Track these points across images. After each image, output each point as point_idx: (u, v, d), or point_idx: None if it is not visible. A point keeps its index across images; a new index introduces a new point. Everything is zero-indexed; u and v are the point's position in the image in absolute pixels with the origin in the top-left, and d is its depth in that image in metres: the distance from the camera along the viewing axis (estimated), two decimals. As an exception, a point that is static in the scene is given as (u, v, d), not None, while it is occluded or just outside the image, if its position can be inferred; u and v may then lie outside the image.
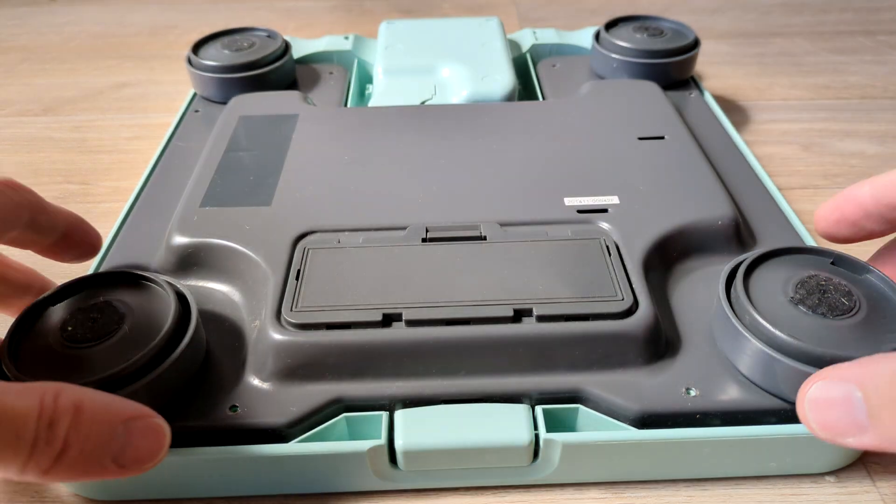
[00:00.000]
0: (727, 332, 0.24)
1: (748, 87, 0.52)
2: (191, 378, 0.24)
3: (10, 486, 0.25)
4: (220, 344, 0.26)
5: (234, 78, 0.42)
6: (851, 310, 0.23)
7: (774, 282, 0.24)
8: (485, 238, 0.28)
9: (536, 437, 0.23)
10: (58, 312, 0.24)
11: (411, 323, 0.24)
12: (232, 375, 0.24)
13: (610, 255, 0.27)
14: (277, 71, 0.44)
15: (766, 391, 0.23)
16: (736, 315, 0.23)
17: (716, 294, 0.25)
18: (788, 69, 0.54)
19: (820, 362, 0.21)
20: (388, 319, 0.24)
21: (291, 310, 0.25)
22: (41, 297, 0.24)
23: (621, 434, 0.23)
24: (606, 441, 0.23)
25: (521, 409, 0.23)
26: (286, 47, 0.46)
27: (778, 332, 0.22)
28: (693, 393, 0.23)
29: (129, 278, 0.25)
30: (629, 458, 0.23)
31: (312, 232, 0.29)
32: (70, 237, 0.27)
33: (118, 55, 0.60)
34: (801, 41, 0.59)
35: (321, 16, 0.69)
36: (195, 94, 0.45)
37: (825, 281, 0.24)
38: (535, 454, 0.23)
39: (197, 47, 0.45)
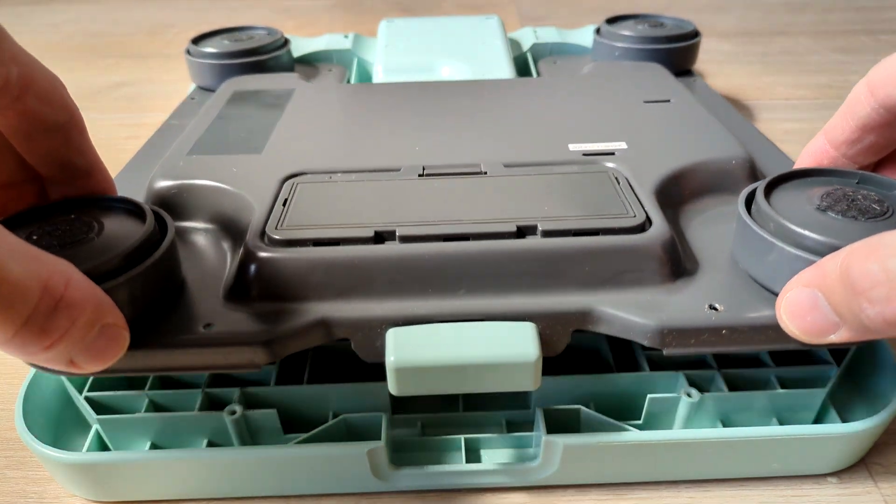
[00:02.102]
0: (751, 244, 0.22)
1: (751, 85, 0.52)
2: (163, 298, 0.22)
3: (9, 486, 0.25)
4: (200, 280, 0.23)
5: (232, 64, 0.42)
6: (884, 213, 0.21)
7: (797, 197, 0.23)
8: (486, 174, 0.27)
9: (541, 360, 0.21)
10: (23, 230, 0.22)
11: (405, 239, 0.22)
12: (210, 300, 0.22)
13: (619, 184, 0.25)
14: (276, 60, 0.44)
15: None
16: (759, 225, 0.22)
17: (734, 221, 0.23)
18: (791, 68, 0.54)
19: None
20: (380, 237, 0.23)
21: (276, 228, 0.23)
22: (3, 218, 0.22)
23: (622, 435, 0.23)
24: (608, 442, 0.23)
25: (528, 326, 0.21)
26: (285, 41, 0.46)
27: (808, 233, 0.20)
28: (719, 308, 0.21)
29: (103, 201, 0.24)
30: (630, 459, 0.23)
31: (303, 173, 0.28)
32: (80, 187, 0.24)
33: (116, 54, 0.60)
34: (804, 40, 0.59)
35: (321, 14, 0.69)
36: (194, 90, 0.45)
37: (852, 192, 0.22)
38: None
39: (197, 41, 0.45)
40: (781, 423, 0.24)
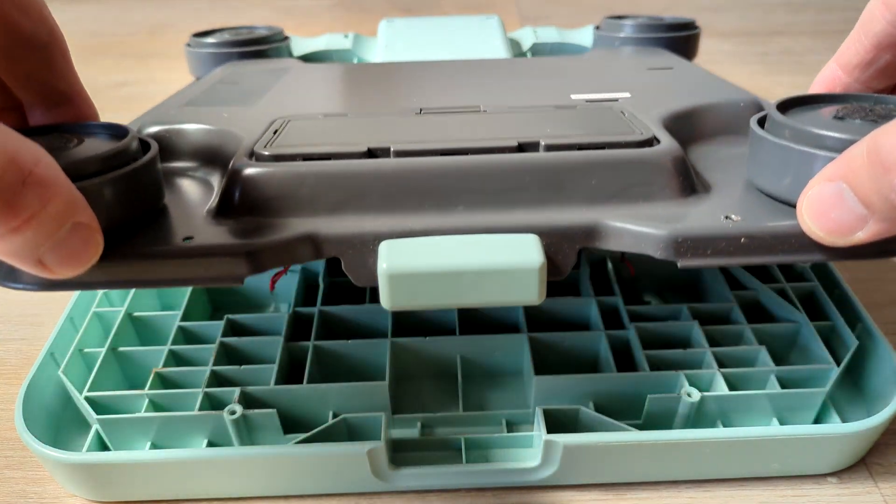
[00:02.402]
0: (766, 157, 0.21)
1: (751, 85, 0.51)
2: (143, 217, 0.21)
3: (9, 486, 0.25)
4: (184, 207, 0.22)
5: (231, 53, 0.42)
6: None
7: (811, 113, 0.22)
8: (486, 112, 0.26)
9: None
10: None
11: (401, 154, 0.21)
12: (193, 219, 0.21)
13: (626, 115, 0.24)
14: (276, 52, 0.44)
15: None
16: (775, 135, 0.20)
17: (747, 144, 0.22)
18: (791, 68, 0.54)
19: None
20: (373, 154, 0.21)
21: (266, 147, 0.22)
22: None
23: (622, 435, 0.23)
24: (608, 442, 0.23)
25: (530, 237, 0.19)
26: (285, 37, 0.46)
27: (828, 132, 0.19)
28: (735, 218, 0.20)
29: (85, 126, 0.22)
30: (630, 459, 0.23)
31: (297, 116, 0.27)
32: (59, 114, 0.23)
33: (117, 54, 0.60)
34: (804, 40, 0.59)
35: (321, 14, 0.69)
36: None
37: (869, 106, 0.21)
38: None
39: (197, 36, 0.45)
40: (781, 423, 0.24)
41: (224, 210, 0.21)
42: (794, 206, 0.19)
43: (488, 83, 0.32)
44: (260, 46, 0.43)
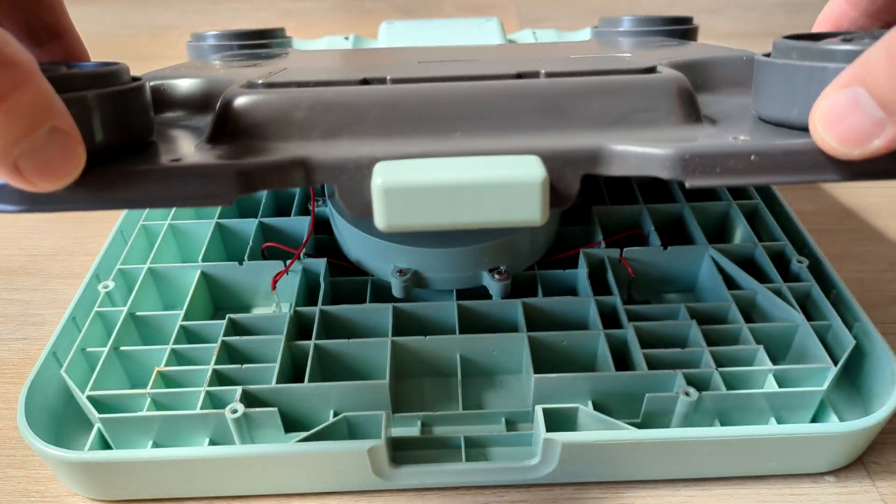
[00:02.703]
0: (774, 81, 0.20)
1: (748, 87, 0.52)
2: (129, 145, 0.20)
3: (11, 484, 0.25)
4: (175, 141, 0.22)
5: (232, 45, 0.42)
6: None
7: (818, 42, 0.20)
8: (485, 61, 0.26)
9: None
10: None
11: (397, 82, 0.21)
12: (183, 147, 0.21)
13: (627, 59, 0.24)
14: (278, 46, 0.44)
15: None
16: (785, 58, 0.20)
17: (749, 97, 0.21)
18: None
19: None
20: (369, 82, 0.21)
21: (260, 79, 0.22)
22: None
23: (621, 434, 0.23)
24: (606, 441, 0.23)
25: (531, 157, 0.18)
26: (287, 36, 0.46)
27: (838, 46, 0.18)
28: (743, 138, 0.19)
29: (76, 63, 0.22)
30: (629, 457, 0.23)
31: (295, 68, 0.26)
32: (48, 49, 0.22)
33: (119, 55, 0.60)
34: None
35: (321, 16, 0.69)
36: None
37: (877, 32, 0.20)
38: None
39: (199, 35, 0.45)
40: (779, 422, 0.24)
41: (216, 137, 0.21)
42: (804, 129, 0.19)
43: (488, 54, 0.31)
44: (262, 40, 0.43)
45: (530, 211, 0.18)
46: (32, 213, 0.19)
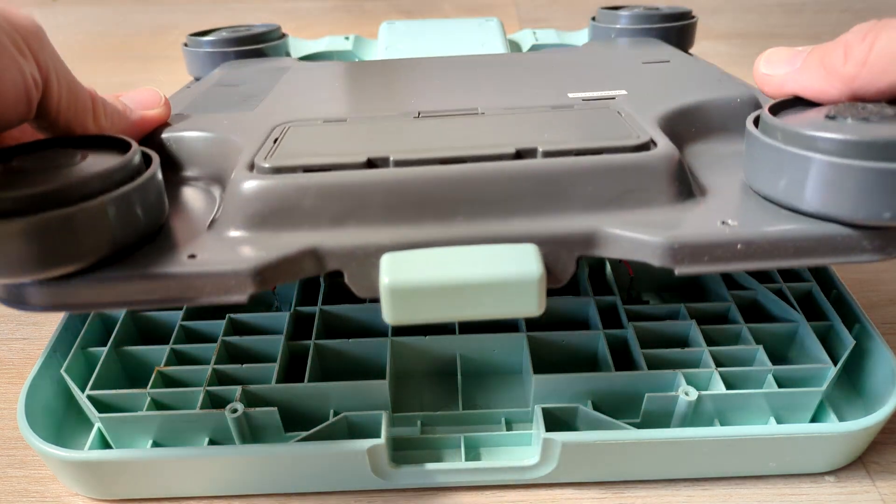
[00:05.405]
0: (761, 159, 0.21)
1: (748, 87, 0.52)
2: (146, 233, 0.20)
3: (11, 484, 0.25)
4: (186, 221, 0.22)
5: (228, 52, 0.42)
6: None
7: (805, 113, 0.21)
8: (483, 114, 0.26)
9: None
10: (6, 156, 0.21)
11: (400, 164, 0.21)
12: (196, 234, 0.21)
13: (623, 115, 0.25)
14: (274, 50, 0.44)
15: (816, 216, 0.20)
16: (769, 136, 0.20)
17: (743, 142, 0.22)
18: (788, 70, 0.54)
19: (878, 150, 0.18)
20: (373, 164, 0.22)
21: (266, 158, 0.22)
22: None
23: (620, 433, 0.23)
24: (606, 441, 0.23)
25: (529, 247, 0.20)
26: (283, 34, 0.46)
27: (820, 133, 0.19)
28: (732, 223, 0.20)
29: (88, 138, 0.23)
30: (628, 457, 0.23)
31: (296, 121, 0.26)
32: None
33: (119, 55, 0.60)
34: (801, 42, 0.59)
35: (321, 17, 0.69)
36: (192, 83, 0.45)
37: (863, 105, 0.21)
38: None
39: (195, 36, 0.45)
40: (779, 422, 0.24)
41: (226, 224, 0.21)
42: (790, 209, 0.20)
43: (486, 80, 0.32)
44: (257, 45, 0.43)
45: (529, 304, 0.19)
46: (51, 312, 0.19)
